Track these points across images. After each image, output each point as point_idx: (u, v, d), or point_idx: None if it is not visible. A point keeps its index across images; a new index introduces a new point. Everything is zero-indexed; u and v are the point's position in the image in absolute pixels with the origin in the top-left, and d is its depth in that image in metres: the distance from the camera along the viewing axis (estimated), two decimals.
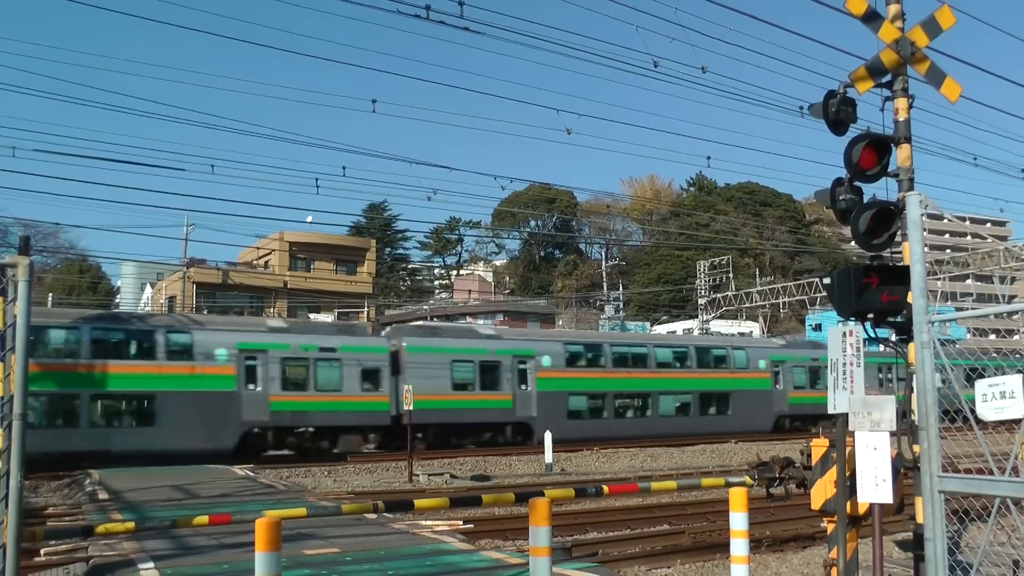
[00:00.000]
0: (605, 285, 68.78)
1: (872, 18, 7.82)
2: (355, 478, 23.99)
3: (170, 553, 9.73)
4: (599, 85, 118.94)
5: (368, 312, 57.92)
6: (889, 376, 40.28)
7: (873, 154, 7.73)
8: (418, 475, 23.14)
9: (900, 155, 7.77)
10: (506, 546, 12.46)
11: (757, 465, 9.38)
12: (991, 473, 4.93)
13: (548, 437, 26.49)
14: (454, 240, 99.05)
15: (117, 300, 67.53)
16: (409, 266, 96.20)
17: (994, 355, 5.96)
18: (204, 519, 8.80)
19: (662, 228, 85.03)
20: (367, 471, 25.61)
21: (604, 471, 26.10)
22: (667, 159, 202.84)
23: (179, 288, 50.47)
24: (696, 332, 58.38)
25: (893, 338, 7.78)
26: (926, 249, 5.35)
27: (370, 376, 29.56)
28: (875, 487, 5.94)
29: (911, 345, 7.10)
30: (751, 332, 65.05)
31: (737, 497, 7.39)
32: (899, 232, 7.63)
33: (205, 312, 46.84)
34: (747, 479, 9.52)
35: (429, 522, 13.05)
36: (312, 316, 52.51)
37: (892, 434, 6.11)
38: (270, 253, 56.91)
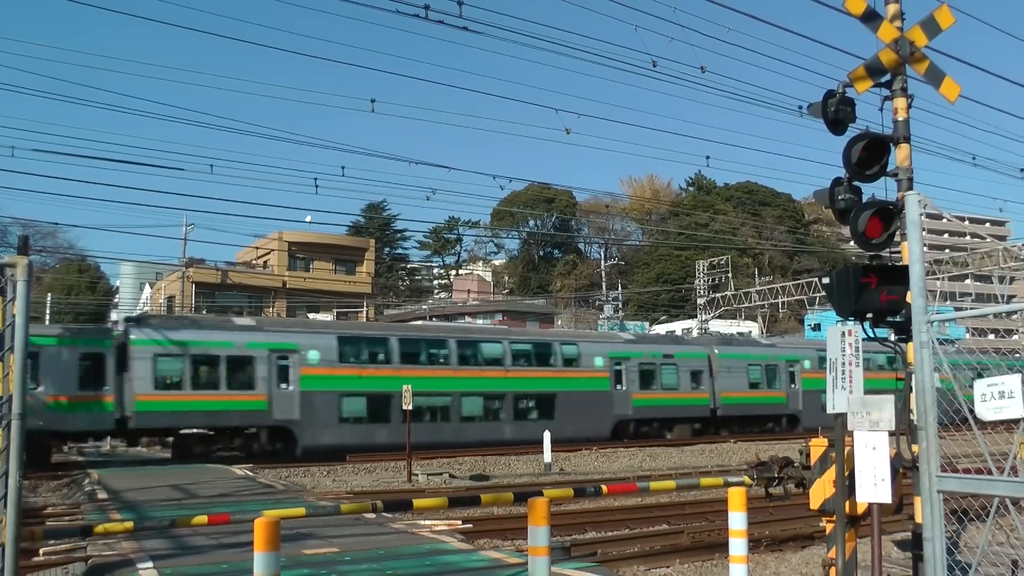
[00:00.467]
0: (604, 285, 68.75)
1: (871, 18, 7.82)
2: (354, 478, 23.98)
3: (169, 553, 9.73)
4: (598, 85, 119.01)
5: (367, 312, 57.88)
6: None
7: (872, 154, 7.73)
8: (417, 475, 23.15)
9: (899, 155, 7.77)
10: (505, 546, 12.46)
11: (756, 465, 9.40)
12: (990, 473, 4.93)
13: (547, 436, 26.48)
14: (453, 240, 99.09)
15: (115, 300, 67.47)
16: (408, 266, 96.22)
17: (993, 355, 5.95)
18: (203, 519, 8.80)
19: (661, 228, 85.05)
20: (366, 471, 25.61)
21: (603, 471, 26.11)
22: (666, 159, 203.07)
23: (178, 288, 50.45)
24: (695, 332, 58.39)
25: (892, 338, 7.78)
26: (925, 249, 5.36)
27: (696, 377, 36.74)
28: (874, 487, 5.94)
29: (910, 345, 7.10)
30: (750, 332, 65.07)
31: (736, 497, 7.40)
32: (898, 232, 7.63)
33: (204, 312, 46.89)
34: (746, 479, 9.53)
35: (428, 522, 13.05)
36: (311, 316, 52.51)
37: (891, 434, 6.11)
38: (269, 253, 56.90)
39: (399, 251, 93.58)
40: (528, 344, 34.20)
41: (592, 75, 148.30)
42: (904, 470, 7.05)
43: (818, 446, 7.52)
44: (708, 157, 46.51)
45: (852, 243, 13.62)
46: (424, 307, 75.09)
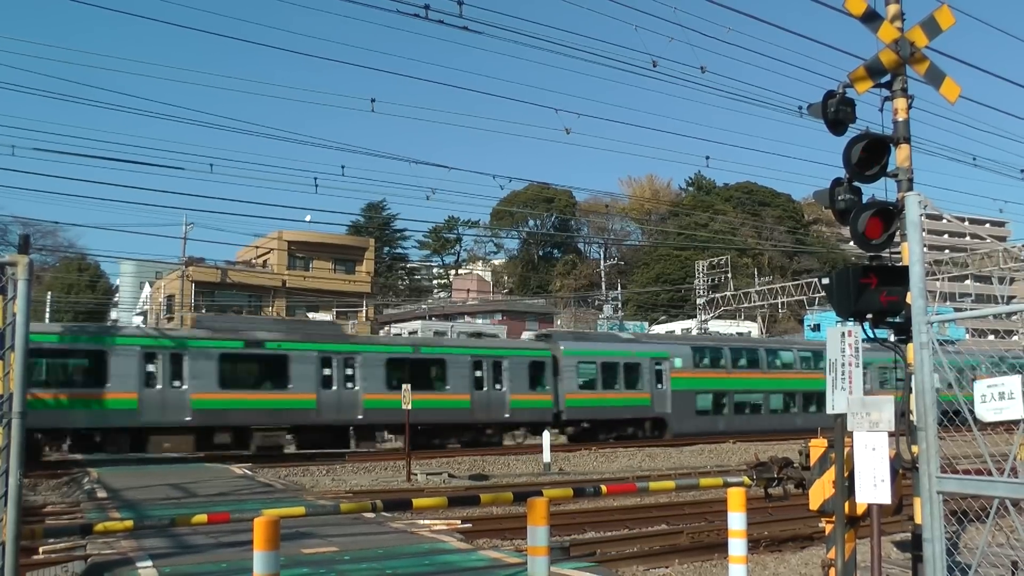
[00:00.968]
0: (604, 285, 68.84)
1: (871, 18, 7.82)
2: (353, 477, 23.98)
3: (168, 551, 9.73)
4: (598, 85, 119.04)
5: (366, 311, 57.90)
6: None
7: (872, 154, 7.73)
8: (416, 474, 23.15)
9: (899, 155, 7.77)
10: (504, 545, 12.46)
11: (755, 465, 9.39)
12: (990, 474, 4.93)
13: (546, 436, 26.51)
14: (453, 239, 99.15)
15: (115, 299, 67.50)
16: (408, 265, 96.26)
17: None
18: (203, 518, 8.80)
19: (661, 228, 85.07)
20: (365, 470, 25.61)
21: (602, 471, 26.10)
22: (666, 159, 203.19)
23: (178, 287, 50.43)
24: (694, 332, 58.39)
25: (892, 338, 7.78)
26: (925, 249, 5.36)
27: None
28: (873, 487, 5.94)
29: (910, 345, 7.10)
30: (749, 332, 65.07)
31: (735, 497, 7.40)
32: (898, 232, 7.63)
33: (203, 311, 46.89)
34: (745, 479, 9.53)
35: (427, 521, 13.05)
36: (310, 315, 52.51)
37: (890, 434, 6.11)
38: (269, 252, 56.87)
39: (399, 251, 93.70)
40: (808, 352, 40.67)
41: (592, 75, 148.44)
42: (904, 471, 7.05)
43: (818, 447, 7.52)
44: (708, 157, 46.58)
45: (852, 243, 13.60)
46: (424, 307, 75.12)
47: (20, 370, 5.85)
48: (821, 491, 7.33)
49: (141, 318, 56.24)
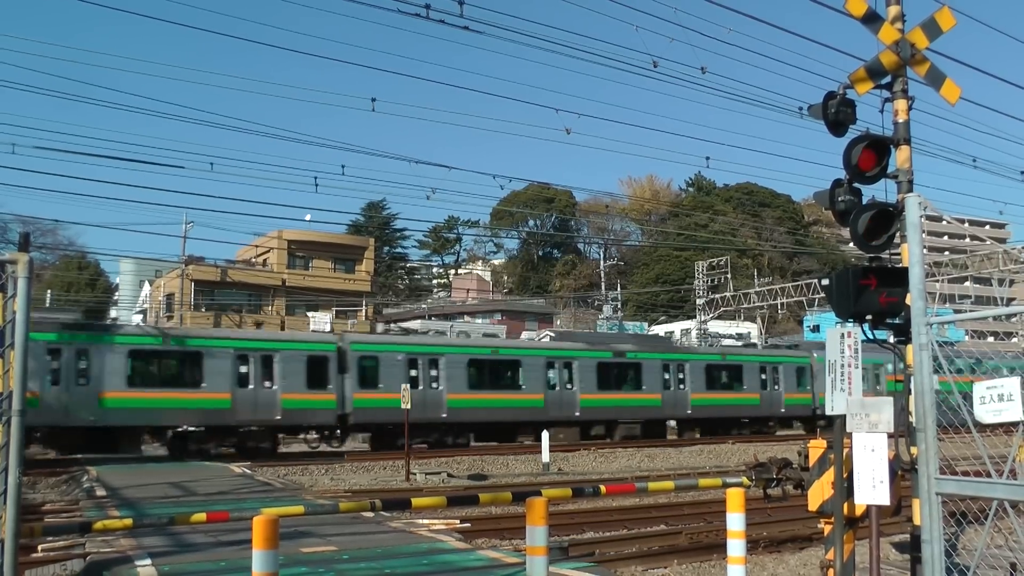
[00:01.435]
0: (603, 285, 68.82)
1: (872, 19, 7.82)
2: (352, 476, 23.99)
3: (167, 550, 9.73)
4: (598, 85, 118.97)
5: (366, 311, 57.87)
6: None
7: (872, 155, 7.72)
8: (415, 474, 23.15)
9: (899, 157, 7.77)
10: (503, 545, 12.46)
11: (755, 466, 9.39)
12: (989, 475, 4.93)
13: (545, 436, 26.53)
14: (452, 239, 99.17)
15: (115, 297, 67.47)
16: (408, 265, 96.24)
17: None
18: (202, 516, 8.79)
19: (660, 228, 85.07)
20: (364, 469, 25.61)
21: (601, 471, 26.10)
22: (666, 159, 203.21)
23: (177, 286, 50.40)
24: (694, 333, 58.38)
25: (891, 340, 7.78)
26: (925, 251, 5.36)
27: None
28: (872, 489, 5.94)
29: (909, 347, 7.11)
30: (749, 333, 65.06)
31: (734, 498, 7.40)
32: (898, 234, 7.63)
33: (203, 310, 46.88)
34: (744, 480, 9.53)
35: (426, 521, 13.05)
36: (310, 314, 52.46)
37: (890, 436, 6.11)
38: (269, 251, 56.78)
39: (399, 250, 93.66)
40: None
41: (592, 75, 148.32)
42: (903, 472, 7.05)
43: (817, 447, 7.52)
44: (708, 158, 46.63)
45: (852, 244, 13.61)
46: (423, 306, 75.13)
47: (20, 368, 5.85)
48: (820, 492, 7.33)
49: (141, 317, 56.18)
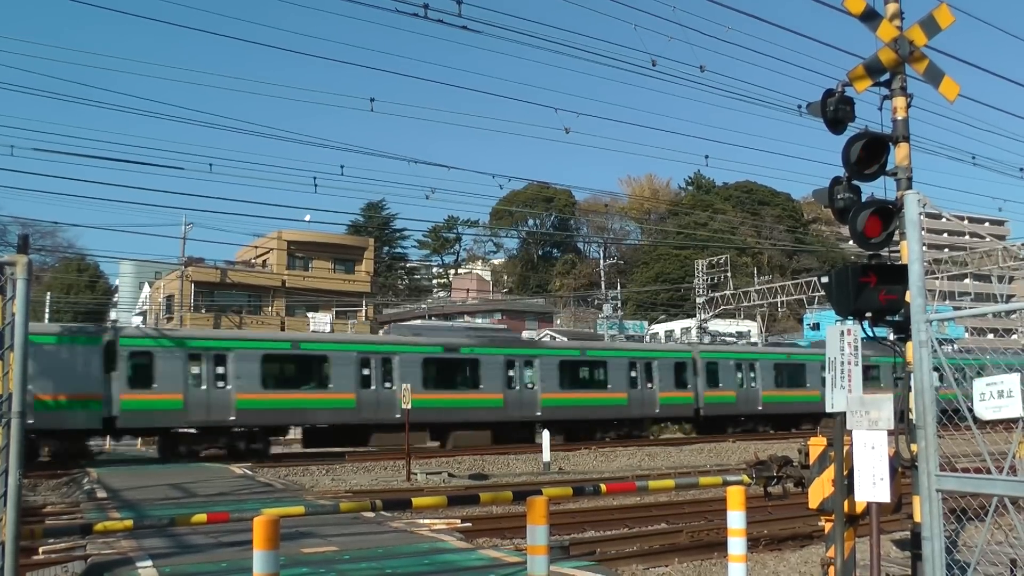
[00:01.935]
0: (603, 284, 68.72)
1: (871, 17, 7.82)
2: (353, 476, 23.99)
3: (168, 551, 9.73)
4: (597, 84, 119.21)
5: (366, 311, 57.87)
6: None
7: (871, 153, 7.73)
8: (416, 474, 23.15)
9: (898, 154, 7.77)
10: (504, 545, 12.45)
11: (755, 464, 9.39)
12: (989, 472, 4.93)
13: (546, 435, 26.52)
14: (452, 239, 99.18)
15: (115, 299, 67.46)
16: (407, 265, 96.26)
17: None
18: (202, 517, 8.80)
19: (660, 227, 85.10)
20: (365, 470, 25.62)
21: (602, 470, 26.11)
22: (665, 158, 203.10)
23: (177, 287, 50.41)
24: (694, 332, 58.39)
25: (891, 337, 7.78)
26: (924, 248, 5.36)
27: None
28: (873, 486, 5.94)
29: (909, 344, 7.10)
30: (749, 332, 65.07)
31: (735, 496, 7.40)
32: (897, 231, 7.63)
33: (203, 311, 46.86)
34: (745, 478, 9.53)
35: (427, 520, 13.05)
36: (310, 315, 52.46)
37: (890, 433, 6.11)
38: (268, 252, 56.79)
39: (398, 250, 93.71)
40: None
41: (591, 74, 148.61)
42: (903, 469, 7.05)
43: (817, 445, 7.52)
44: (707, 156, 46.74)
45: (851, 242, 13.63)
46: (423, 306, 75.14)
47: (19, 369, 5.85)
48: (820, 489, 7.33)
49: (140, 318, 56.19)
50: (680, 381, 36.66)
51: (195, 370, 27.06)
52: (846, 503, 6.95)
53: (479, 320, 66.60)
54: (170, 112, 50.71)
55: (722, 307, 58.62)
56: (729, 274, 59.45)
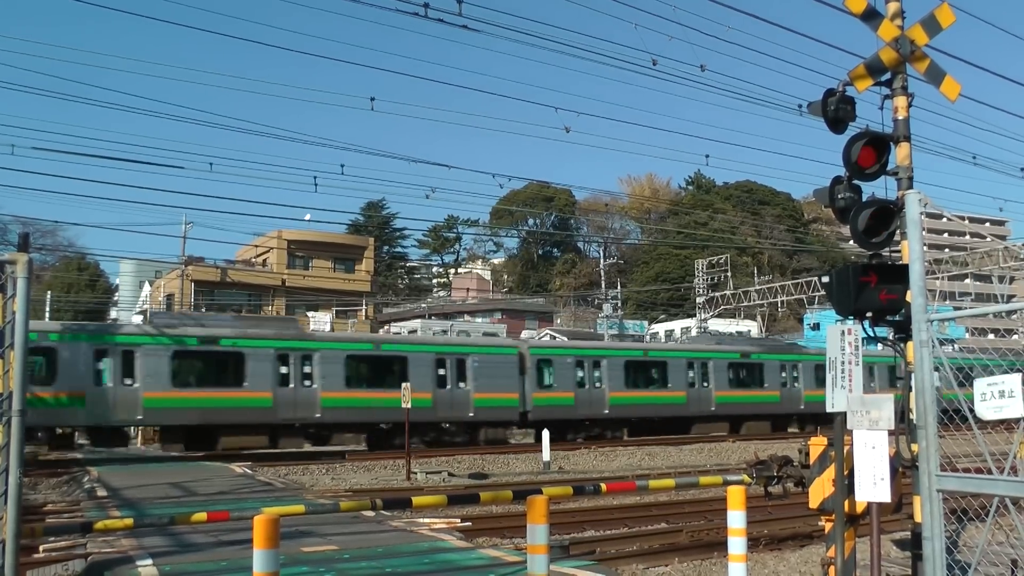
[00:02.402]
0: (603, 284, 68.72)
1: (871, 16, 7.81)
2: (353, 476, 23.98)
3: (168, 550, 9.73)
4: (598, 83, 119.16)
5: (366, 310, 57.90)
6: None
7: (872, 152, 7.72)
8: (416, 473, 23.14)
9: (899, 154, 7.77)
10: (504, 544, 12.45)
11: (755, 464, 9.40)
12: (990, 472, 4.93)
13: (546, 435, 26.53)
14: (452, 238, 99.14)
15: (115, 298, 67.47)
16: (407, 264, 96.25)
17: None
18: (202, 516, 8.80)
19: (660, 227, 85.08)
20: (365, 469, 25.61)
21: (602, 469, 26.10)
22: (665, 157, 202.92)
23: (177, 286, 50.43)
24: (694, 331, 58.37)
25: (892, 337, 7.77)
26: (925, 248, 5.35)
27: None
28: (873, 486, 5.94)
29: (910, 344, 7.10)
30: (749, 331, 65.06)
31: (735, 495, 7.39)
32: (898, 231, 7.62)
33: (203, 311, 46.86)
34: (745, 477, 9.53)
35: (427, 520, 13.05)
36: (310, 314, 52.46)
37: (890, 433, 6.11)
38: (268, 251, 56.82)
39: (398, 250, 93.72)
40: None
41: (592, 73, 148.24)
42: (903, 469, 7.05)
43: (817, 445, 7.52)
44: (707, 156, 46.70)
45: (852, 242, 13.62)
46: (423, 306, 75.14)
47: (20, 368, 5.85)
48: (821, 489, 7.33)
49: (141, 317, 56.22)
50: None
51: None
52: (846, 503, 6.95)
53: (479, 320, 66.63)
54: (170, 111, 50.78)
55: (722, 307, 58.63)
56: (729, 274, 59.47)
